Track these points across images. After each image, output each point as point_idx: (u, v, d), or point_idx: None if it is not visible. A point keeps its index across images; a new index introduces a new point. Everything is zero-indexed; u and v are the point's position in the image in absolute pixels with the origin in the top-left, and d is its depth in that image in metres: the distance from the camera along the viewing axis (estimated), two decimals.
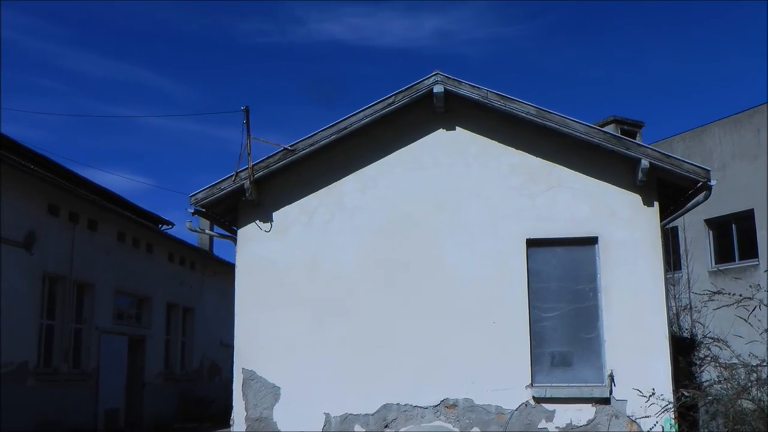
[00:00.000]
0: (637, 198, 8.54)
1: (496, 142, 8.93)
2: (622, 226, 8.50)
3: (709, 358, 9.04)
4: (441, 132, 9.07)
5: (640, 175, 8.27)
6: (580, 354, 8.44)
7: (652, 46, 57.88)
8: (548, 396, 8.25)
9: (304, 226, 9.09)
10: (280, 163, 8.96)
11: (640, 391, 7.83)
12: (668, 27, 55.79)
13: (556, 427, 8.19)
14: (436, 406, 8.45)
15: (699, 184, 8.24)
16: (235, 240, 9.32)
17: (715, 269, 18.21)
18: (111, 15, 50.29)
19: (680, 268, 17.46)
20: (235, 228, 9.37)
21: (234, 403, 8.86)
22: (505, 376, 8.34)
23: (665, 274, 8.53)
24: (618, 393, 8.12)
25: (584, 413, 8.17)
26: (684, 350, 9.62)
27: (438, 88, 8.66)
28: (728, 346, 8.25)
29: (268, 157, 8.97)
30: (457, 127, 9.05)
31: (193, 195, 8.94)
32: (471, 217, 8.80)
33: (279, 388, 8.76)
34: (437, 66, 13.80)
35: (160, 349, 19.63)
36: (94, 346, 16.14)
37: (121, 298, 17.73)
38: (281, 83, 59.45)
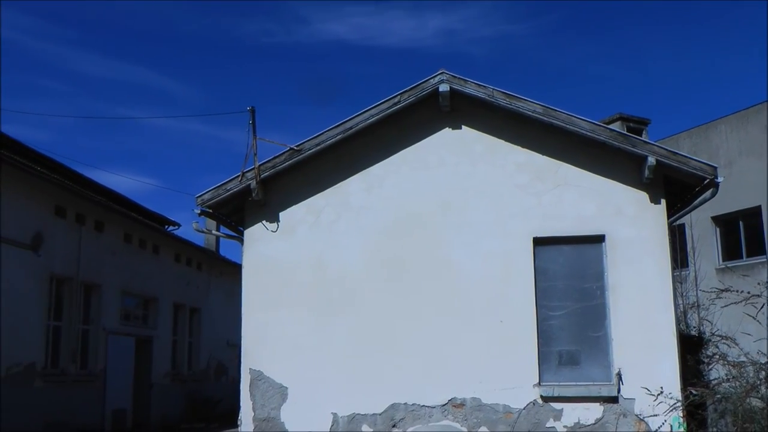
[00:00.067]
0: (643, 195, 8.52)
1: (502, 141, 8.92)
2: (629, 223, 8.48)
3: (717, 356, 9.01)
4: (447, 131, 9.06)
5: (646, 172, 8.25)
6: (587, 352, 8.42)
7: (656, 44, 57.77)
8: (556, 395, 8.24)
9: (310, 226, 9.10)
10: (287, 163, 8.97)
11: (648, 390, 7.81)
12: (672, 25, 55.67)
13: (564, 426, 8.18)
14: (444, 405, 8.45)
15: (706, 181, 8.22)
16: (241, 240, 9.34)
17: (723, 266, 18.14)
18: (115, 15, 50.45)
19: (687, 266, 17.38)
20: (241, 228, 9.39)
21: (241, 404, 8.88)
22: (512, 375, 8.34)
23: (672, 272, 8.51)
24: (626, 391, 8.10)
25: (592, 412, 8.16)
26: (692, 348, 9.59)
27: (443, 87, 8.65)
28: (736, 344, 8.22)
29: (275, 158, 8.98)
30: (462, 126, 9.04)
31: (200, 196, 8.96)
32: (477, 216, 8.79)
33: (286, 388, 8.77)
34: (442, 65, 13.79)
35: (167, 350, 19.67)
36: (101, 346, 16.17)
37: (127, 298, 17.77)
38: (286, 83, 59.55)
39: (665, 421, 7.75)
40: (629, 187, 8.56)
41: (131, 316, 18.09)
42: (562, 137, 8.67)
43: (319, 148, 8.92)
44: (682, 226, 17.55)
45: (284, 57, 61.09)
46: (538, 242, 8.66)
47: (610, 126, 9.23)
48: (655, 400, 7.75)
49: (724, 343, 8.63)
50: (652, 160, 8.18)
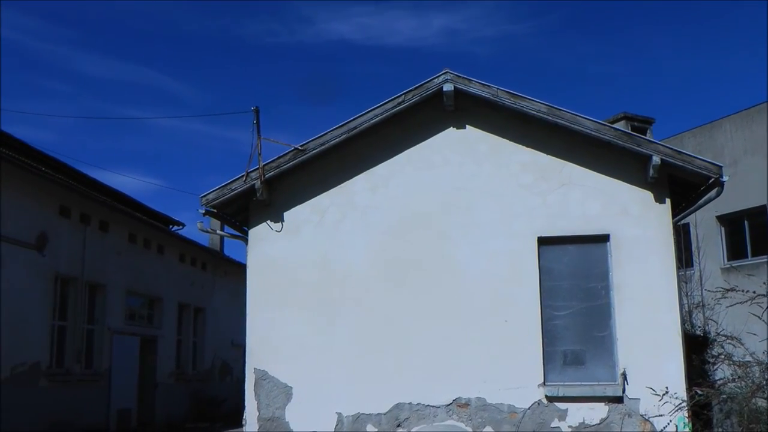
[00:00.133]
0: (648, 195, 8.50)
1: (506, 140, 8.90)
2: (634, 223, 8.46)
3: (722, 356, 8.99)
4: (451, 131, 9.06)
5: (651, 171, 8.23)
6: (592, 352, 8.41)
7: (660, 43, 57.65)
8: (561, 395, 8.23)
9: (315, 225, 9.10)
10: (291, 163, 8.97)
11: (654, 390, 7.79)
12: (676, 24, 55.54)
13: (569, 426, 8.16)
14: (449, 405, 8.44)
15: (711, 181, 8.20)
16: (246, 240, 9.34)
17: (728, 266, 18.08)
18: (118, 16, 50.53)
19: (692, 265, 17.36)
20: (246, 228, 9.39)
21: (246, 403, 8.88)
22: (517, 375, 8.33)
23: (677, 272, 8.49)
24: (631, 391, 8.09)
25: (597, 412, 8.14)
26: (697, 348, 9.57)
27: (448, 87, 8.64)
28: (742, 344, 8.20)
29: (279, 157, 8.98)
30: (467, 126, 9.03)
31: (204, 195, 8.97)
32: (482, 215, 8.78)
33: (291, 387, 8.77)
34: (446, 65, 13.77)
35: (171, 350, 19.71)
36: (106, 346, 16.23)
37: (132, 298, 17.80)
38: (290, 83, 59.55)
39: (670, 421, 7.73)
40: (634, 187, 8.55)
41: (136, 316, 18.13)
42: (567, 137, 8.66)
43: (323, 147, 8.92)
44: (686, 226, 17.52)
45: (288, 57, 61.19)
46: (543, 242, 8.65)
47: (615, 125, 9.21)
48: (660, 400, 7.74)
49: (729, 343, 8.61)
50: (656, 159, 8.16)
